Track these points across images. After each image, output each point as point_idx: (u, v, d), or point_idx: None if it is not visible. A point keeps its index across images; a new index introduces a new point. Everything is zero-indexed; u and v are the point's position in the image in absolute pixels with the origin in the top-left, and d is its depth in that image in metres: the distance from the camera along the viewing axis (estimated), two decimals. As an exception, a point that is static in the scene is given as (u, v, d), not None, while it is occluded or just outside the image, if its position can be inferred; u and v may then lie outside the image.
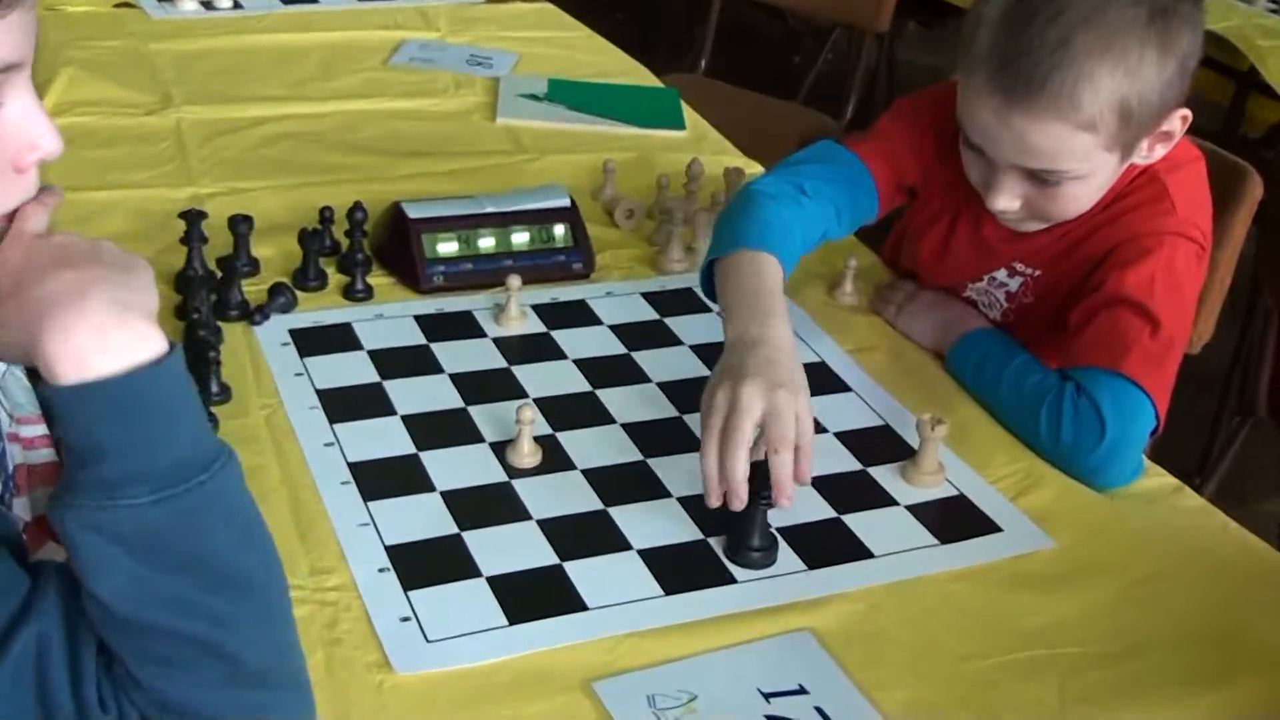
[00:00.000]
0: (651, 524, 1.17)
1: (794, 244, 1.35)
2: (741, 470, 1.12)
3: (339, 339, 1.41)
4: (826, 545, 1.18)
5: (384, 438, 1.25)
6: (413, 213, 1.53)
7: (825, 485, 1.25)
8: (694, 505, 1.19)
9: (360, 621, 1.05)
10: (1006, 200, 1.34)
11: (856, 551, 1.17)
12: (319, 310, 1.46)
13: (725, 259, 1.31)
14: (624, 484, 1.22)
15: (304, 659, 0.86)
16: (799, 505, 1.21)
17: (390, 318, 1.46)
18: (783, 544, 1.17)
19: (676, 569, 1.13)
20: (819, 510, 1.22)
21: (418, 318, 1.46)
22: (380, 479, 1.20)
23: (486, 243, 1.53)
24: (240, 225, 1.50)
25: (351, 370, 1.35)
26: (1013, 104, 1.27)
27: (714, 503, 1.14)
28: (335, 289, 1.50)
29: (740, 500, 1.13)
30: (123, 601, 0.78)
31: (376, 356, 1.38)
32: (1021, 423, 1.33)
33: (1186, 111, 1.32)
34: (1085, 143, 1.28)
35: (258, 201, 1.66)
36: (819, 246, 1.44)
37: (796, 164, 1.46)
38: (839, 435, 1.33)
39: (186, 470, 0.78)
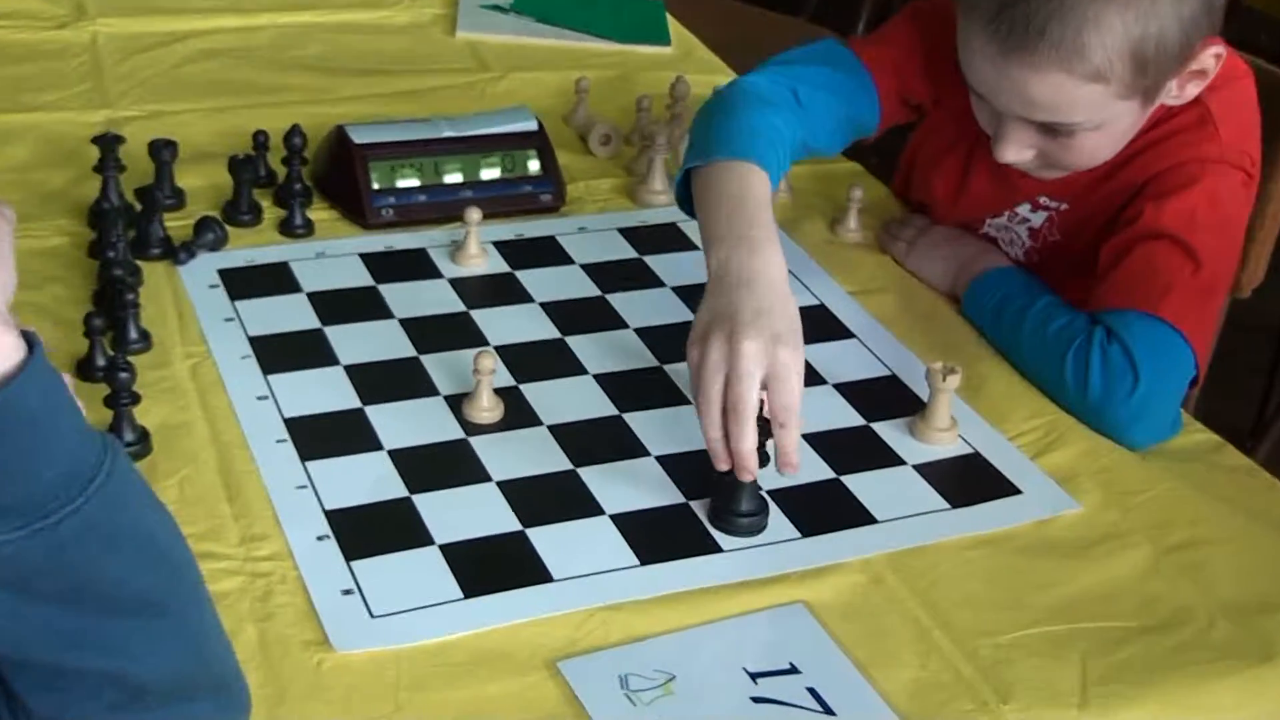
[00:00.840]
0: (627, 486, 1.17)
1: (781, 155, 1.33)
2: (750, 443, 1.11)
3: (274, 280, 1.40)
4: (824, 509, 1.18)
5: (325, 390, 1.25)
6: (358, 137, 1.52)
7: (823, 442, 1.25)
8: (674, 465, 1.20)
9: (297, 595, 1.05)
10: (1015, 153, 1.34)
11: (857, 516, 1.17)
12: (252, 248, 1.45)
13: (707, 169, 1.27)
14: (596, 441, 1.22)
15: (232, 655, 0.86)
16: None
17: (333, 256, 1.45)
18: (774, 508, 1.17)
19: (654, 536, 1.13)
20: (815, 470, 1.22)
21: (364, 256, 1.45)
22: (320, 436, 1.20)
23: (442, 171, 1.53)
24: (163, 152, 1.49)
25: (289, 315, 1.35)
26: (1009, 54, 1.25)
27: (724, 467, 1.13)
28: (270, 224, 1.50)
29: (750, 473, 1.12)
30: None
31: (317, 300, 1.38)
32: (1044, 372, 1.33)
33: (1220, 48, 1.30)
34: (1094, 93, 1.26)
35: (183, 126, 1.65)
36: (803, 160, 1.43)
37: (793, 64, 1.44)
38: (839, 387, 1.33)
39: (61, 493, 0.74)
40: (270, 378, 1.27)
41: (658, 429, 1.24)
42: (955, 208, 1.52)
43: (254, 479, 1.15)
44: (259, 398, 1.24)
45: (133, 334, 1.29)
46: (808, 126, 1.39)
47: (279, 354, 1.29)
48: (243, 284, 1.39)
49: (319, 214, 1.52)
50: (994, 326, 1.40)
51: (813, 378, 1.33)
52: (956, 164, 1.51)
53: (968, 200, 1.50)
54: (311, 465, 1.17)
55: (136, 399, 1.17)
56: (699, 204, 1.27)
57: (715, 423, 1.12)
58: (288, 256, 1.44)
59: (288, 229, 1.49)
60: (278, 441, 1.19)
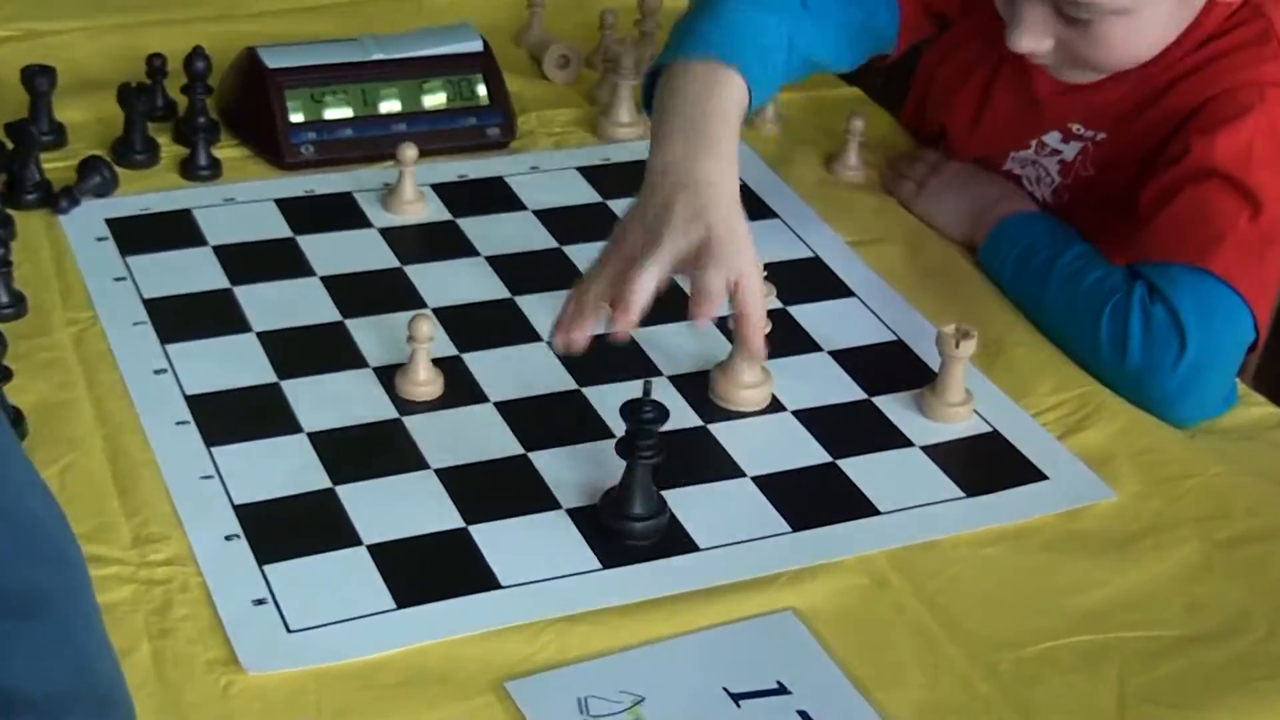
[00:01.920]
0: (587, 475, 1.17)
1: (772, 65, 1.31)
2: (645, 283, 1.11)
3: (175, 231, 1.40)
4: (817, 499, 1.18)
5: (235, 362, 1.25)
6: (272, 61, 1.51)
7: (817, 420, 1.25)
8: None
9: (200, 606, 1.04)
10: (1030, 40, 1.33)
11: (856, 507, 1.18)
12: (147, 193, 1.45)
13: (675, 68, 1.26)
14: (551, 421, 1.22)
15: (116, 667, 0.85)
16: (779, 446, 1.21)
17: (244, 202, 1.45)
18: (760, 499, 1.17)
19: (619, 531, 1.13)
20: (807, 452, 1.22)
21: (280, 202, 1.45)
22: (229, 417, 1.20)
23: (372, 101, 1.53)
24: (38, 80, 1.47)
25: (191, 273, 1.35)
26: None
27: (561, 340, 1.14)
28: (170, 165, 1.49)
29: (628, 318, 1.12)
30: None
31: (225, 254, 1.38)
32: (1076, 336, 1.33)
33: None
34: None
35: (64, 49, 1.63)
36: (806, 77, 1.42)
37: None
38: (836, 355, 1.33)
39: None
40: (169, 347, 1.26)
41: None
42: (973, 137, 1.52)
43: (149, 468, 1.15)
44: (156, 371, 1.24)
45: (3, 297, 1.27)
46: (812, 34, 1.37)
47: (180, 319, 1.29)
48: (136, 236, 1.39)
49: (227, 152, 1.51)
50: (1017, 282, 1.40)
51: (805, 343, 1.34)
52: (977, 86, 1.50)
53: (988, 128, 1.50)
54: (218, 451, 1.16)
55: (7, 374, 1.16)
56: (656, 105, 1.26)
57: (598, 272, 1.15)
58: (190, 203, 1.44)
59: (190, 170, 1.48)
60: (178, 423, 1.19)
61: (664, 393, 1.23)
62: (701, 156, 1.18)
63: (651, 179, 1.19)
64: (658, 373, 1.27)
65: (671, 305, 1.21)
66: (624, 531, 1.12)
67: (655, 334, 1.29)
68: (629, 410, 1.11)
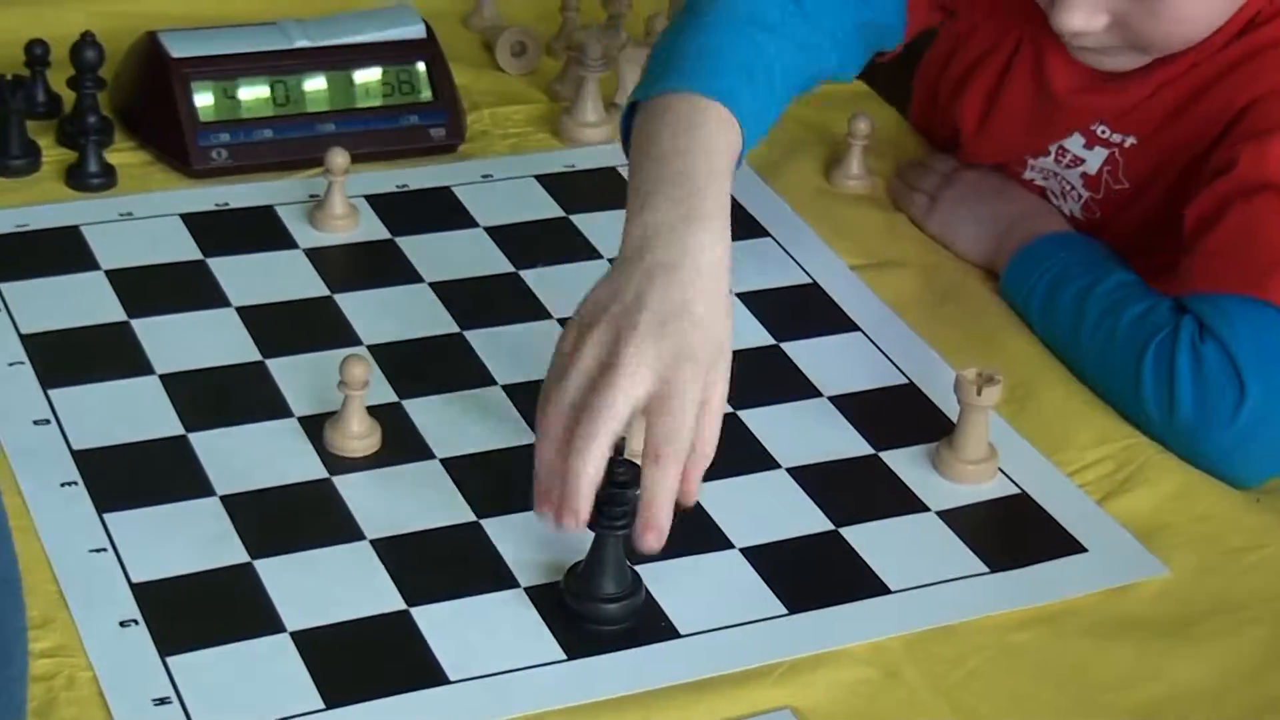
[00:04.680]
0: (549, 547, 1.16)
1: (770, 95, 1.30)
2: (589, 473, 1.07)
3: (59, 252, 1.40)
4: (817, 575, 1.18)
5: (132, 411, 1.24)
6: (176, 48, 1.51)
7: (815, 479, 1.24)
8: None
9: (90, 706, 1.03)
10: (1084, 16, 1.32)
11: (862, 584, 1.17)
12: (25, 206, 1.45)
13: (654, 104, 1.25)
14: (508, 483, 1.21)
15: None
16: (772, 511, 1.20)
17: (144, 218, 1.44)
18: (751, 574, 1.16)
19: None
20: (805, 519, 1.22)
21: (187, 217, 1.45)
22: (125, 478, 1.19)
23: (295, 97, 1.52)
24: (-106, 70, 1.47)
25: (80, 302, 1.34)
26: None
27: (543, 509, 1.11)
28: (53, 172, 1.48)
29: (575, 520, 1.08)
30: None
31: (121, 280, 1.37)
32: (1117, 380, 1.33)
33: None
34: None
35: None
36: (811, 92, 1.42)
37: None
38: (838, 401, 1.33)
39: None
40: (53, 393, 1.25)
41: (593, 464, 1.23)
42: (982, 140, 1.52)
43: (28, 539, 1.13)
44: (36, 422, 1.23)
45: None
46: (813, 44, 1.36)
47: (65, 359, 1.28)
48: (12, 258, 1.38)
49: (123, 157, 1.50)
50: (1047, 315, 1.40)
51: (800, 387, 1.34)
52: (987, 82, 1.50)
53: (998, 129, 1.50)
54: (113, 519, 1.15)
55: None
56: (633, 149, 1.24)
57: (556, 438, 1.09)
58: (78, 218, 1.43)
59: (78, 179, 1.47)
60: (64, 485, 1.18)
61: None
62: (683, 223, 1.14)
63: (623, 254, 1.15)
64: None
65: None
66: (592, 614, 1.11)
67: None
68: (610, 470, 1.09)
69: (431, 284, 1.40)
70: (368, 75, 1.54)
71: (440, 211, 1.48)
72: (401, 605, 1.11)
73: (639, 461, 1.09)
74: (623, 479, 1.09)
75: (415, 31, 1.57)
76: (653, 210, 1.16)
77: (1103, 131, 1.44)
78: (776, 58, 1.31)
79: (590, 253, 1.46)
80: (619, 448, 1.10)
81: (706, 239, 1.14)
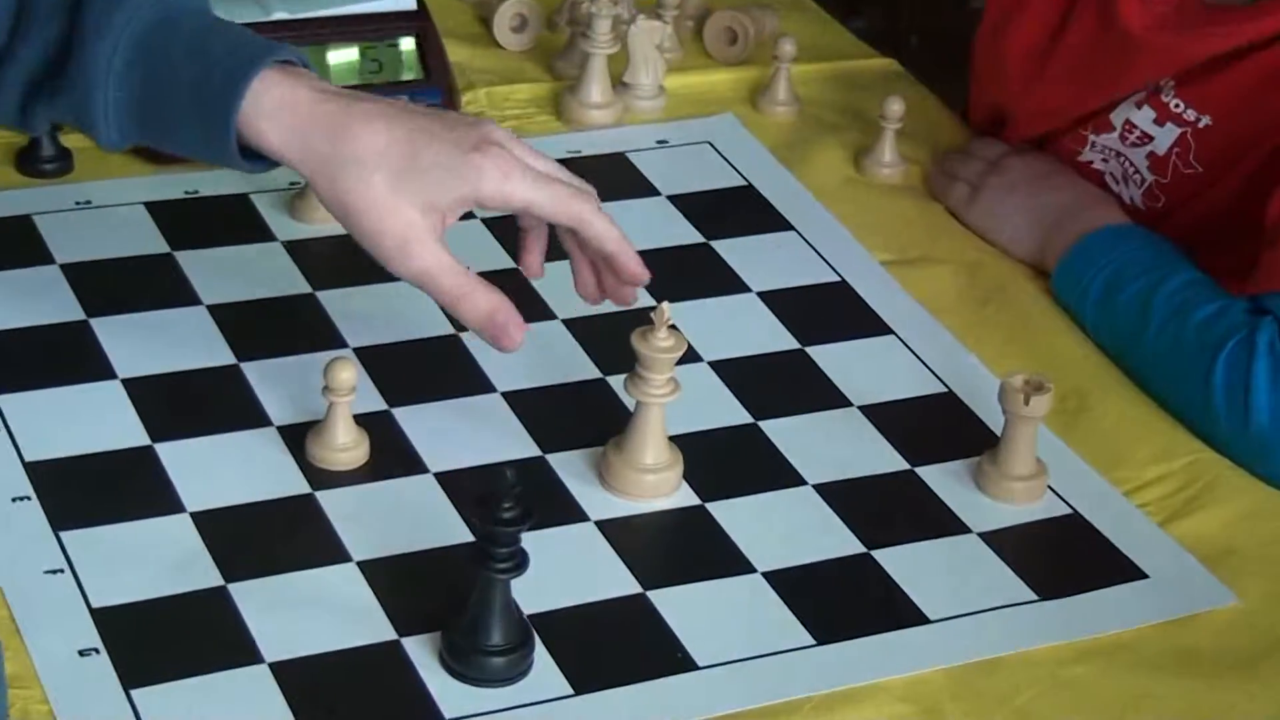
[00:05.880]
0: (555, 569, 1.15)
1: None
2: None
3: (10, 245, 1.39)
4: (849, 603, 1.18)
5: (92, 419, 1.24)
6: (144, 24, 1.50)
7: (847, 498, 1.25)
8: (620, 532, 1.20)
9: (47, 743, 1.03)
10: None
11: (899, 613, 1.17)
12: None
13: None
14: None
15: None
16: (800, 537, 1.20)
17: (104, 206, 1.44)
18: (776, 602, 1.16)
19: (593, 648, 1.12)
20: (836, 542, 1.21)
21: (153, 206, 1.44)
22: (85, 493, 1.19)
23: None
24: None
25: (33, 300, 1.34)
26: None
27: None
28: (3, 156, 1.48)
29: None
30: None
31: (79, 275, 1.37)
32: (1182, 389, 1.33)
33: None
34: None
35: None
36: (812, 58, 1.46)
37: None
38: (869, 411, 1.33)
39: None
40: (4, 399, 1.25)
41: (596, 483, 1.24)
42: (1031, 94, 1.51)
43: (-20, 559, 1.13)
44: None
45: None
46: None
47: (17, 362, 1.28)
48: None
49: (80, 139, 1.47)
50: (1103, 317, 1.40)
51: (828, 395, 1.34)
52: (1044, 14, 1.49)
53: (1053, 77, 1.49)
54: (70, 538, 1.14)
55: None
56: None
57: None
58: (31, 207, 1.43)
59: (30, 163, 1.47)
60: (15, 500, 1.17)
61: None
62: None
63: None
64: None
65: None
66: (474, 666, 1.08)
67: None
68: (481, 508, 1.06)
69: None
70: (351, 50, 1.54)
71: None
72: (392, 635, 1.10)
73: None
74: (509, 515, 1.06)
75: (404, 2, 1.56)
76: None
77: (1177, 106, 1.44)
78: None
79: (597, 244, 1.45)
80: (507, 479, 1.06)
81: None
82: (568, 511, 1.20)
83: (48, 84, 1.17)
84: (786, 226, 1.50)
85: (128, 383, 1.26)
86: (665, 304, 1.17)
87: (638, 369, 1.18)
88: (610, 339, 1.30)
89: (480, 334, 1.18)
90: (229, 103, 1.13)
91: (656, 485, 1.22)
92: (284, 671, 1.06)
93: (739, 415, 1.29)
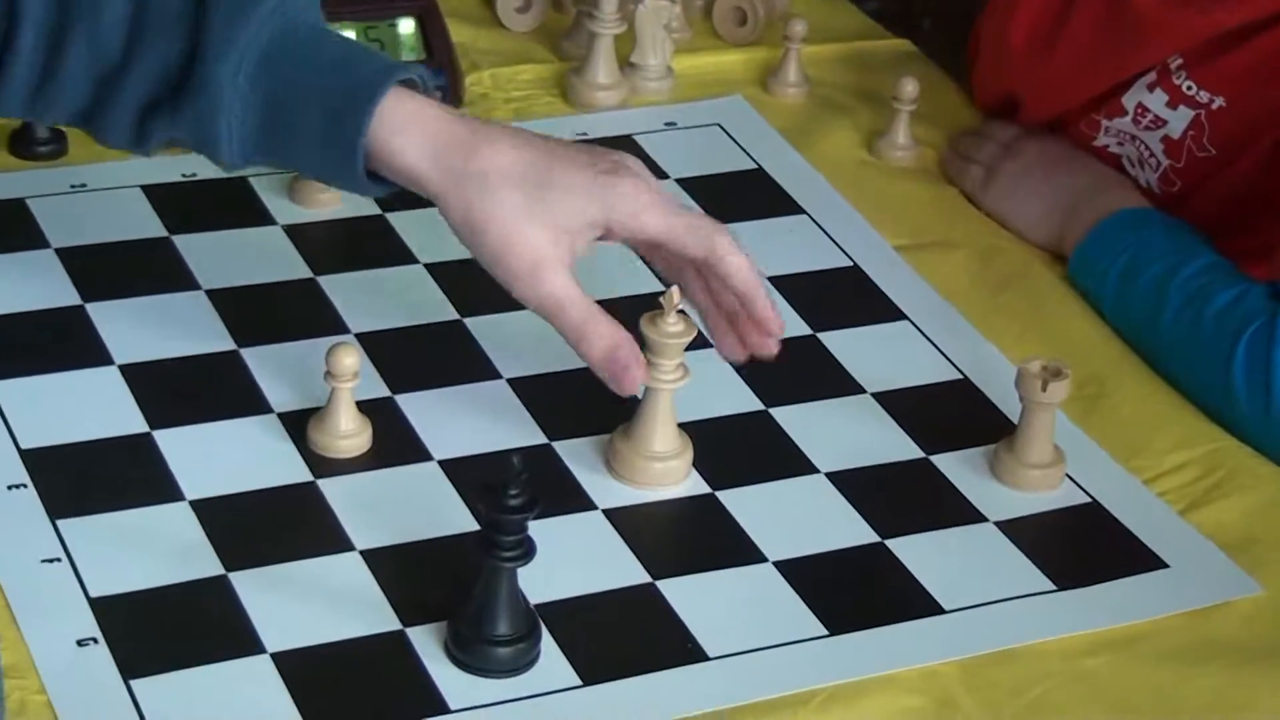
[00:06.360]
0: (559, 564, 1.14)
1: None
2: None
3: (4, 229, 1.39)
4: (862, 593, 1.18)
5: (88, 406, 1.24)
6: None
7: (860, 486, 1.25)
8: (627, 521, 1.20)
9: (44, 734, 1.03)
10: None
11: (913, 603, 1.17)
12: None
13: None
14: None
15: None
16: (812, 526, 1.20)
17: (99, 189, 1.45)
18: (787, 591, 1.16)
19: (604, 638, 1.12)
20: (849, 531, 1.22)
21: (150, 190, 1.45)
22: (82, 480, 1.19)
23: None
24: None
25: (28, 285, 1.34)
26: None
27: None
28: None
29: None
30: None
31: (74, 260, 1.37)
32: (1202, 375, 1.33)
33: None
34: None
35: None
36: (824, 38, 1.47)
37: None
38: (882, 397, 1.33)
39: None
40: None
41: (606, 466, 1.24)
42: (1041, 84, 1.51)
43: (-26, 548, 1.13)
44: None
45: None
46: None
47: (12, 348, 1.28)
48: None
49: (76, 125, 1.49)
50: (1122, 302, 1.40)
51: (841, 383, 1.34)
52: (1047, 8, 1.49)
53: (1062, 66, 1.49)
54: (67, 526, 1.15)
55: None
56: None
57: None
58: (24, 190, 1.43)
59: (24, 146, 1.47)
60: (11, 488, 1.17)
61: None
62: None
63: None
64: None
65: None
66: (479, 656, 1.09)
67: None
68: (488, 495, 1.06)
69: (427, 265, 1.40)
70: (350, 30, 1.54)
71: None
72: (396, 625, 1.10)
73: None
74: (515, 503, 1.06)
75: (405, -18, 1.58)
76: None
77: (1189, 88, 1.44)
78: None
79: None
80: (514, 465, 1.06)
81: None
82: (575, 499, 1.21)
83: (167, 103, 1.16)
84: (798, 210, 1.50)
85: (125, 369, 1.27)
86: (675, 288, 1.18)
87: (647, 354, 1.18)
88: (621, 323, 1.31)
89: (598, 371, 1.17)
90: (359, 120, 1.13)
91: (665, 473, 1.22)
92: (286, 662, 1.07)
93: (750, 402, 1.30)
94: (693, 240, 1.16)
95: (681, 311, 1.18)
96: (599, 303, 1.17)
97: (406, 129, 1.13)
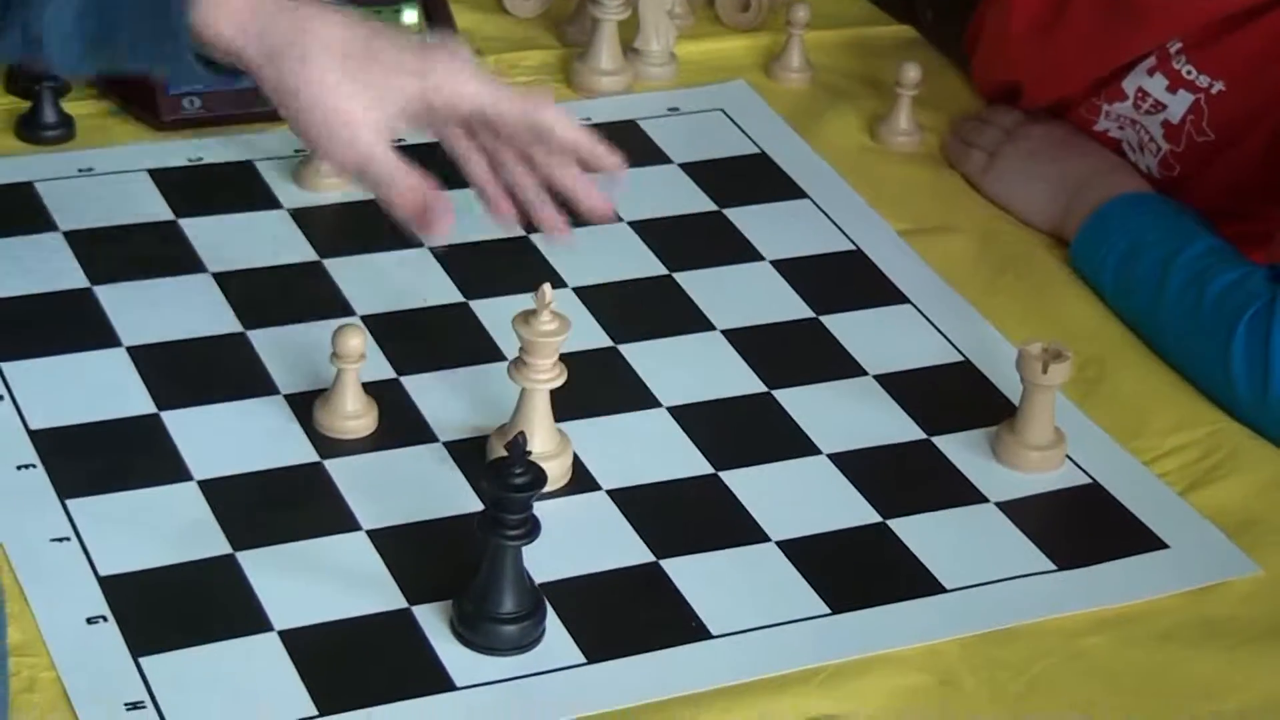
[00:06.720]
0: (561, 545, 1.15)
1: None
2: None
3: (12, 212, 1.40)
4: (864, 572, 1.18)
5: (97, 387, 1.25)
6: (146, -13, 1.50)
7: (862, 467, 1.25)
8: (634, 502, 1.20)
9: (55, 711, 1.03)
10: None
11: (915, 582, 1.18)
12: None
13: None
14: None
15: None
16: (815, 506, 1.21)
17: (107, 174, 1.45)
18: (790, 571, 1.16)
19: (609, 617, 1.13)
20: (851, 511, 1.22)
21: (157, 174, 1.45)
22: (90, 460, 1.19)
23: None
24: None
25: (36, 268, 1.35)
26: None
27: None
28: (4, 123, 1.49)
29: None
30: None
31: (82, 243, 1.38)
32: (1202, 357, 1.33)
33: None
34: None
35: None
36: (827, 24, 1.46)
37: None
38: (885, 379, 1.33)
39: None
40: (7, 367, 1.26)
41: (617, 448, 1.25)
42: (1042, 70, 1.51)
43: (-16, 527, 1.13)
44: None
45: None
46: None
47: (21, 330, 1.29)
48: None
49: (82, 106, 1.50)
50: (1122, 285, 1.40)
51: (844, 365, 1.34)
52: None
53: (1061, 52, 1.49)
54: (76, 505, 1.15)
55: None
56: None
57: None
58: (33, 174, 1.44)
59: (32, 130, 1.47)
60: (20, 468, 1.18)
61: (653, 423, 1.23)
62: None
63: None
64: (652, 405, 1.26)
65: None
66: (485, 634, 1.09)
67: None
68: (492, 473, 1.07)
69: (431, 249, 1.39)
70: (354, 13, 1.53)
71: (440, 168, 1.46)
72: (402, 604, 1.11)
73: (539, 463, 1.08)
74: (521, 481, 1.07)
75: (408, -34, 1.57)
76: None
77: (1188, 73, 1.45)
78: None
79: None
80: (517, 442, 1.07)
81: None
82: (585, 480, 1.21)
83: None
84: (801, 195, 1.50)
85: (133, 350, 1.27)
86: (547, 286, 1.16)
87: (521, 354, 1.17)
88: (621, 306, 1.33)
89: (409, 223, 1.15)
90: None
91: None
92: (294, 639, 1.07)
93: (753, 384, 1.30)
94: (513, 105, 1.15)
95: (555, 310, 1.17)
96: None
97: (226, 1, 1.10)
